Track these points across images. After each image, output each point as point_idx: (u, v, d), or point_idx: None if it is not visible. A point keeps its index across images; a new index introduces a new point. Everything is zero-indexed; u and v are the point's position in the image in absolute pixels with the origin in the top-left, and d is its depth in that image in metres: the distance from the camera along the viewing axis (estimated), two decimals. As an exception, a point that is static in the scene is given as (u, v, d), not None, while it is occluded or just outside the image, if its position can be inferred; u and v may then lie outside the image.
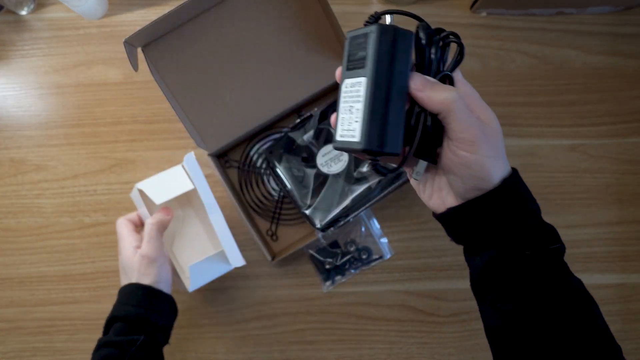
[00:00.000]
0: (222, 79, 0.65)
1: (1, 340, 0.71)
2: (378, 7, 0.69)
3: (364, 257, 0.71)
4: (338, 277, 0.71)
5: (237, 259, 0.59)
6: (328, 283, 0.71)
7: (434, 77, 0.35)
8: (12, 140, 0.72)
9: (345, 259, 0.71)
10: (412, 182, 0.41)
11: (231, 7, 0.64)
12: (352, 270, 0.71)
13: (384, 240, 0.72)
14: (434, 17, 0.71)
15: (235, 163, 0.71)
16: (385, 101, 0.32)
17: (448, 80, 0.36)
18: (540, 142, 0.72)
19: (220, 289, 0.71)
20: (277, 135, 0.70)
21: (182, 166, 0.60)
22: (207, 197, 0.58)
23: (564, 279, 0.36)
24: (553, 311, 0.35)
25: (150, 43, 0.63)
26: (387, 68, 0.32)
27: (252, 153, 0.71)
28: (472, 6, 0.71)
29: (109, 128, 0.72)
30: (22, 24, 0.72)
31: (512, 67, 0.72)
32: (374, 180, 0.64)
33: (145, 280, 0.55)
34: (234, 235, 0.59)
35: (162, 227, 0.58)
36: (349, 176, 0.65)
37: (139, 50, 0.62)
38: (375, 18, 0.35)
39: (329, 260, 0.71)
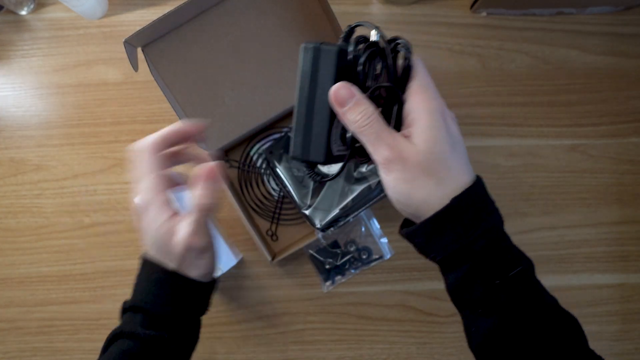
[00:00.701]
0: (222, 78, 0.65)
1: (1, 340, 0.71)
2: (377, 8, 0.70)
3: (364, 257, 0.71)
4: (338, 277, 0.71)
5: (226, 262, 0.60)
6: (328, 283, 0.71)
7: (367, 89, 0.36)
8: (12, 140, 0.72)
9: (345, 259, 0.71)
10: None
11: (231, 7, 0.64)
12: (352, 270, 0.71)
13: (384, 240, 0.72)
14: (433, 17, 0.71)
15: (235, 163, 0.71)
16: (307, 115, 0.36)
17: (383, 90, 0.36)
18: (540, 142, 0.72)
19: (220, 289, 0.72)
20: (277, 135, 0.70)
21: None
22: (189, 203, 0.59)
23: (537, 299, 0.35)
24: (531, 332, 0.33)
25: (150, 43, 0.63)
26: (309, 85, 0.35)
27: (252, 153, 0.71)
28: (472, 6, 0.71)
29: (109, 128, 0.72)
30: (21, 23, 0.72)
31: (512, 67, 0.72)
32: (374, 180, 0.64)
33: (193, 273, 0.42)
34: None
35: (213, 210, 0.43)
36: (349, 176, 0.65)
37: (139, 50, 0.62)
38: (347, 33, 0.37)
39: (329, 260, 0.71)
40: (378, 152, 0.33)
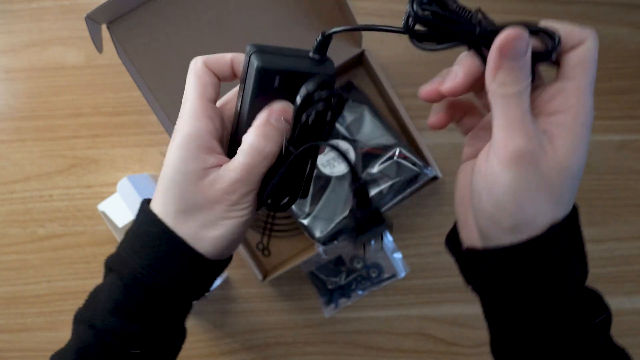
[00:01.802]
0: (203, 62, 0.65)
1: (-62, 375, 0.71)
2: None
3: (373, 275, 0.71)
4: (343, 300, 0.71)
5: None
6: (331, 307, 0.71)
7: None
8: (-48, 136, 0.72)
9: (351, 277, 0.71)
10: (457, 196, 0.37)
11: (214, -25, 0.64)
12: (360, 292, 0.71)
13: (398, 255, 0.71)
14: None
15: (219, 163, 0.71)
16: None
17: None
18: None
19: (200, 314, 0.71)
20: (269, 130, 0.70)
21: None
22: None
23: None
24: None
25: (117, 19, 0.63)
26: (241, 88, 0.36)
27: (239, 151, 0.70)
28: (503, -26, 0.71)
29: (67, 121, 0.71)
30: (-37, -4, 0.72)
31: (551, 47, 0.72)
32: (385, 184, 0.64)
33: (206, 244, 0.36)
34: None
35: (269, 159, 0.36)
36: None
37: (104, 27, 0.62)
38: (320, 43, 0.36)
39: (332, 279, 0.71)
40: (512, 137, 0.30)
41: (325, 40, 0.35)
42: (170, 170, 0.35)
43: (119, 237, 0.67)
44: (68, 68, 0.72)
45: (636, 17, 0.72)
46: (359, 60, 0.69)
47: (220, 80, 0.38)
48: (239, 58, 0.36)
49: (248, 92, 0.35)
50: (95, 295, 0.38)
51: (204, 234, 0.35)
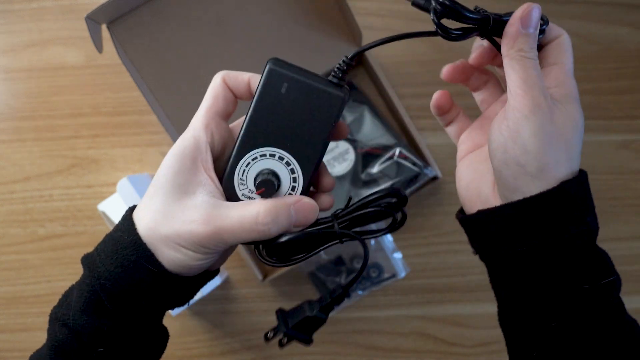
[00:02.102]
0: (203, 61, 0.65)
1: (-62, 375, 0.71)
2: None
3: (373, 275, 0.71)
4: (343, 300, 0.71)
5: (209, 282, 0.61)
6: (330, 307, 0.71)
7: None
8: (-48, 136, 0.72)
9: (351, 277, 0.71)
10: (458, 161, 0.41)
11: (214, -25, 0.64)
12: (360, 292, 0.71)
13: (398, 255, 0.71)
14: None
15: (219, 163, 0.71)
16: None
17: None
18: (585, 137, 0.72)
19: (201, 314, 0.71)
20: (269, 130, 0.70)
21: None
22: None
23: (618, 322, 0.35)
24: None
25: (117, 19, 0.63)
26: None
27: (239, 151, 0.70)
28: (503, -26, 0.71)
29: (67, 121, 0.71)
30: (-37, -4, 0.72)
31: (551, 47, 0.72)
32: (385, 184, 0.64)
33: (174, 256, 0.35)
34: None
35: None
36: (356, 178, 0.64)
37: (104, 27, 0.62)
38: (344, 67, 0.36)
39: (332, 279, 0.71)
40: (531, 92, 0.34)
41: (347, 63, 0.35)
42: (158, 176, 0.35)
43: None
44: (68, 68, 0.71)
45: (636, 17, 0.72)
46: (359, 60, 0.69)
47: (237, 97, 0.38)
48: (256, 78, 0.37)
49: (254, 98, 0.35)
50: (68, 294, 0.38)
51: (168, 251, 0.35)
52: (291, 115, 0.34)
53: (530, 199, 0.34)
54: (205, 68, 0.65)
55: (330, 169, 0.65)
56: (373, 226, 0.55)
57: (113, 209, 0.64)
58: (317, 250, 0.37)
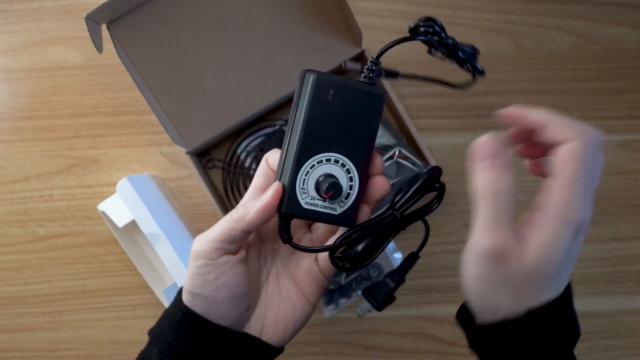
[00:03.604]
0: (203, 61, 0.65)
1: (-62, 375, 0.71)
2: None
3: (373, 275, 0.71)
4: (343, 300, 0.71)
5: None
6: (331, 307, 0.71)
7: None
8: (-48, 136, 0.72)
9: (351, 277, 0.71)
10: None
11: (214, -25, 0.64)
12: (360, 292, 0.71)
13: (398, 255, 0.71)
14: (457, -12, 0.71)
15: (219, 163, 0.71)
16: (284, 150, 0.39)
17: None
18: (585, 137, 0.72)
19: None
20: (269, 130, 0.70)
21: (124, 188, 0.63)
22: (150, 228, 0.61)
23: None
24: None
25: (117, 19, 0.63)
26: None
27: (239, 151, 0.71)
28: (503, -26, 0.71)
29: (67, 121, 0.71)
30: (-37, -5, 0.72)
31: (551, 47, 0.72)
32: (393, 180, 0.64)
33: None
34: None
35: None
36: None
37: (104, 27, 0.62)
38: (373, 65, 0.40)
39: (332, 279, 0.71)
40: (482, 236, 0.33)
41: (375, 63, 0.39)
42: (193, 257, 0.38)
43: (119, 237, 0.67)
44: (68, 68, 0.71)
45: (636, 17, 0.72)
46: (359, 60, 0.69)
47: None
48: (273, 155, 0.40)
49: (302, 110, 0.36)
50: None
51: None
52: (341, 120, 0.36)
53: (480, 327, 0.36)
54: (206, 68, 0.65)
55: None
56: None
57: (113, 209, 0.64)
58: (387, 243, 0.41)
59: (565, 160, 0.32)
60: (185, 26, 0.64)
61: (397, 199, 0.39)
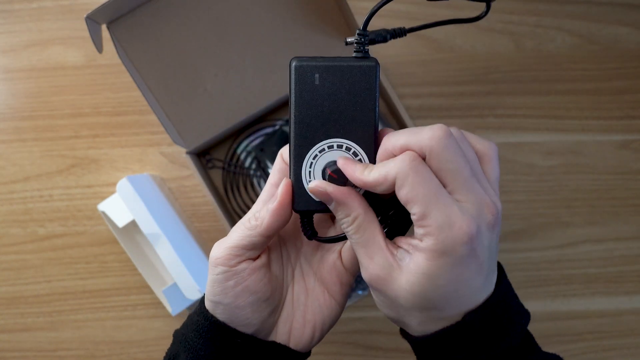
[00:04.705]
0: (203, 61, 0.65)
1: (-62, 375, 0.71)
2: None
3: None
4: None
5: (191, 291, 0.61)
6: (330, 307, 0.71)
7: None
8: (-48, 136, 0.72)
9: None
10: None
11: (214, -25, 0.64)
12: (360, 292, 0.71)
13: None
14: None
15: (219, 163, 0.71)
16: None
17: None
18: (585, 137, 0.72)
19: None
20: (269, 130, 0.70)
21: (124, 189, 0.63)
22: (150, 228, 0.61)
23: None
24: None
25: (117, 19, 0.63)
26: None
27: (239, 151, 0.71)
28: (503, -26, 0.71)
29: (67, 121, 0.71)
30: (-37, -4, 0.72)
31: (551, 47, 0.72)
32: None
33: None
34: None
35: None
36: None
37: (104, 27, 0.62)
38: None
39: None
40: (362, 268, 0.34)
41: (362, 34, 0.36)
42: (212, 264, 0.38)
43: (119, 237, 0.67)
44: (68, 68, 0.71)
45: (636, 17, 0.72)
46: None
47: None
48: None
49: (291, 101, 0.35)
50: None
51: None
52: (334, 103, 0.35)
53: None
54: (206, 68, 0.65)
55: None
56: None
57: (113, 209, 0.64)
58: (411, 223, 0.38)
59: (403, 201, 0.31)
60: (185, 26, 0.64)
61: None
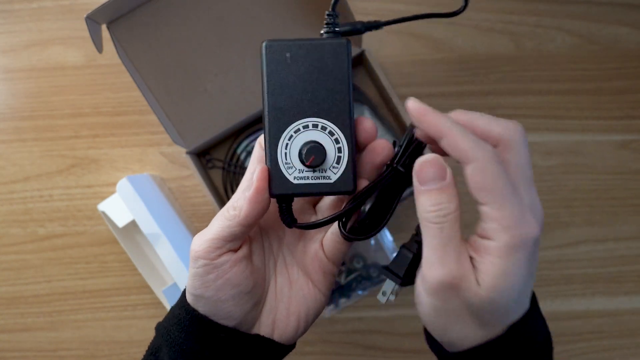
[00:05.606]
0: (203, 61, 0.65)
1: (-62, 375, 0.71)
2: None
3: (373, 275, 0.71)
4: (343, 300, 0.71)
5: None
6: (331, 307, 0.71)
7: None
8: (-48, 136, 0.72)
9: (351, 277, 0.71)
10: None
11: (214, -25, 0.64)
12: (360, 292, 0.71)
13: (398, 255, 0.71)
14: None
15: (219, 163, 0.71)
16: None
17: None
18: (584, 137, 0.72)
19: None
20: (269, 130, 0.70)
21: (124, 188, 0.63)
22: (150, 228, 0.61)
23: None
24: None
25: (117, 19, 0.62)
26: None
27: (239, 151, 0.71)
28: (503, -26, 0.71)
29: (67, 121, 0.71)
30: (-37, -5, 0.72)
31: (551, 47, 0.72)
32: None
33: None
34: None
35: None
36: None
37: (104, 27, 0.62)
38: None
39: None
40: (433, 267, 0.31)
41: (330, 14, 0.35)
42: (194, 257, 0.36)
43: (119, 237, 0.67)
44: (68, 68, 0.71)
45: (636, 17, 0.72)
46: (359, 60, 0.69)
47: None
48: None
49: (262, 82, 0.34)
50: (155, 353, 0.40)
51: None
52: (306, 82, 0.34)
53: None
54: (206, 68, 0.65)
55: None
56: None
57: (113, 209, 0.64)
58: (396, 202, 0.37)
59: (477, 188, 0.30)
60: (185, 26, 0.64)
61: (396, 156, 0.36)
